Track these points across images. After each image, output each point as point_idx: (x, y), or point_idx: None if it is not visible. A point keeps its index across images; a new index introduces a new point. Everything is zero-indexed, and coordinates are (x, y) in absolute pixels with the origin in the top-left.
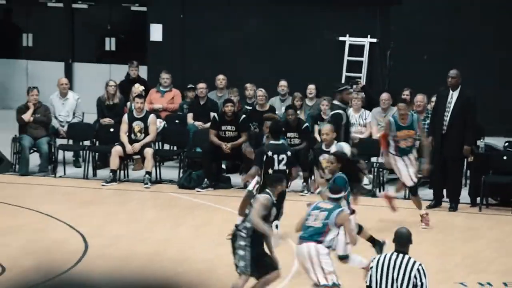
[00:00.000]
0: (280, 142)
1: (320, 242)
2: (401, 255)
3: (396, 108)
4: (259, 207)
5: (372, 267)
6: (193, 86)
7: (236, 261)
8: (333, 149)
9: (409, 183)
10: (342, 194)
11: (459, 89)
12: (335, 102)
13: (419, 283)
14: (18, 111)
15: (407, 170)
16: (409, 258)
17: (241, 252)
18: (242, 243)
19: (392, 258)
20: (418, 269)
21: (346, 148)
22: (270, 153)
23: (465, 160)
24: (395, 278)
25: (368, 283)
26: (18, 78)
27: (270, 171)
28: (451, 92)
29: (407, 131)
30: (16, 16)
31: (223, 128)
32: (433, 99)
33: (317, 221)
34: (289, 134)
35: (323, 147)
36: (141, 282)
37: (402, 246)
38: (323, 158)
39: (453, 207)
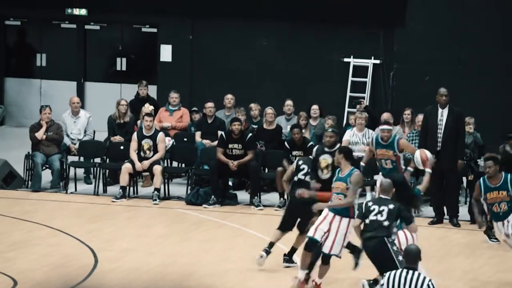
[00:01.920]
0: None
1: None
2: (411, 272)
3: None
4: None
5: (382, 284)
6: (196, 109)
7: None
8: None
9: None
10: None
11: (448, 106)
12: None
13: None
14: (31, 129)
15: None
16: (419, 274)
17: None
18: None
19: (403, 274)
20: (428, 285)
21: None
22: None
23: (466, 178)
24: None
25: None
26: (32, 97)
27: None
28: (440, 109)
29: (385, 150)
30: (30, 36)
31: (230, 146)
32: (420, 117)
33: None
34: (294, 152)
35: (326, 149)
36: None
37: (411, 262)
38: (323, 158)
39: (455, 223)
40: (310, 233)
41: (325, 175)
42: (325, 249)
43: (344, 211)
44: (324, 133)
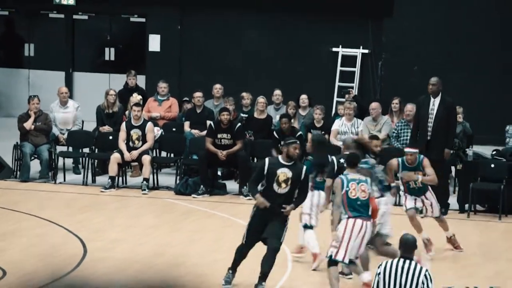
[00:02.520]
0: None
1: None
2: (408, 261)
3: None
4: None
5: (379, 273)
6: (188, 98)
7: None
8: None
9: None
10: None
11: (440, 95)
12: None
13: None
14: (20, 119)
15: None
16: (416, 263)
17: None
18: None
19: (399, 264)
20: (425, 275)
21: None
22: None
23: (455, 167)
24: (403, 283)
25: None
26: (20, 87)
27: None
28: (432, 99)
29: (413, 172)
30: (18, 26)
31: (219, 136)
32: (409, 107)
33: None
34: (283, 142)
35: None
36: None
37: (408, 252)
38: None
39: (443, 212)
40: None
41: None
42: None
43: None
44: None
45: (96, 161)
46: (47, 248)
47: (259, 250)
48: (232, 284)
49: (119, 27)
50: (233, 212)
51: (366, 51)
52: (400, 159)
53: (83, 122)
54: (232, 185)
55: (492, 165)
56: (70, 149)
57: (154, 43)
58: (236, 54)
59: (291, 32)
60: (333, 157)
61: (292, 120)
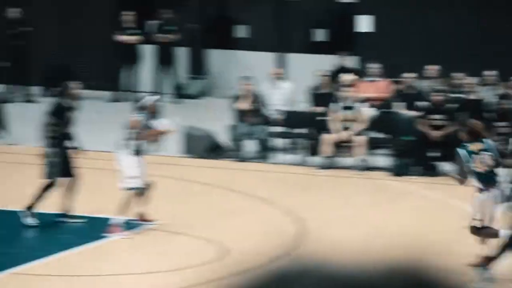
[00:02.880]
0: None
1: None
2: None
3: None
4: None
5: None
6: (399, 79)
7: None
8: None
9: None
10: None
11: None
12: None
13: None
14: (234, 100)
15: None
16: None
17: None
18: None
19: None
20: None
21: None
22: None
23: None
24: None
25: None
26: (233, 68)
27: None
28: None
29: None
30: (231, 8)
31: (433, 117)
32: None
33: None
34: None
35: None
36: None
37: None
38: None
39: None
40: None
41: None
42: None
43: None
44: None
45: (310, 141)
46: (264, 227)
47: None
48: None
49: (330, 8)
50: (449, 194)
51: None
52: None
53: (296, 102)
54: (445, 166)
55: None
56: (284, 129)
57: (365, 23)
58: (444, 36)
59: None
60: None
61: None
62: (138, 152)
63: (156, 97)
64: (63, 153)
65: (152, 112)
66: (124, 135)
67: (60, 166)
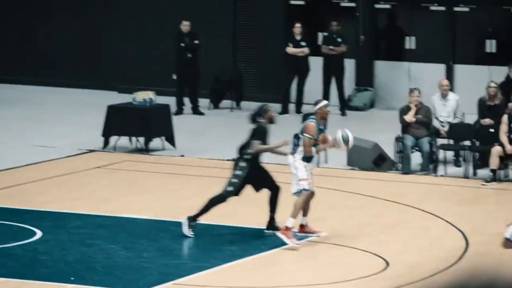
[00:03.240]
0: None
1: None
2: None
3: None
4: None
5: None
6: None
7: None
8: None
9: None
10: None
11: None
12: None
13: None
14: (401, 112)
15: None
16: None
17: None
18: None
19: None
20: None
21: None
22: None
23: None
24: None
25: None
26: (401, 80)
27: None
28: None
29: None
30: (400, 19)
31: None
32: None
33: None
34: None
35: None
36: None
37: None
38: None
39: None
40: None
41: None
42: None
43: None
44: None
45: (477, 154)
46: (429, 240)
47: None
48: None
49: (500, 18)
50: None
51: None
52: None
53: (464, 114)
54: None
55: None
56: (451, 141)
57: None
58: None
59: None
60: None
61: None
62: (307, 158)
63: (326, 102)
64: (255, 171)
65: (323, 117)
66: (295, 139)
67: (241, 186)
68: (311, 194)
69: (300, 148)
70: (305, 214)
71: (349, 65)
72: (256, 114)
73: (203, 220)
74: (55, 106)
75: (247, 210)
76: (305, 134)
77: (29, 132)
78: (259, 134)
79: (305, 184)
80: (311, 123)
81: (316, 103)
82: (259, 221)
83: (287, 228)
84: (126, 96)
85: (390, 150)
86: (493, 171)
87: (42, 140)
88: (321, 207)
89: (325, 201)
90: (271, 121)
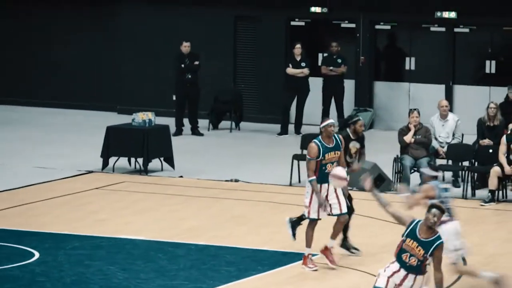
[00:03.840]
0: None
1: None
2: None
3: None
4: None
5: None
6: None
7: None
8: None
9: None
10: None
11: None
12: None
13: None
14: (400, 132)
15: None
16: None
17: None
18: None
19: None
20: None
21: None
22: None
23: None
24: None
25: None
26: (400, 100)
27: None
28: None
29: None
30: (400, 40)
31: None
32: None
33: None
34: None
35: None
36: None
37: None
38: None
39: None
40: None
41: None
42: None
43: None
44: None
45: (475, 174)
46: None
47: None
48: None
49: (500, 39)
50: None
51: None
52: None
53: (463, 135)
54: None
55: None
56: (450, 162)
57: None
58: None
59: None
60: None
61: None
62: (320, 180)
63: (331, 120)
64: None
65: (328, 136)
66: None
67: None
68: (315, 222)
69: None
70: (333, 237)
71: (349, 85)
72: (345, 122)
73: (202, 241)
74: (54, 127)
75: (243, 231)
76: (307, 156)
77: (28, 153)
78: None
79: (305, 212)
80: (312, 144)
81: (321, 122)
82: (256, 242)
83: (304, 257)
84: (125, 117)
85: (389, 171)
86: (492, 191)
87: (41, 161)
88: (319, 227)
89: (324, 221)
90: (356, 133)
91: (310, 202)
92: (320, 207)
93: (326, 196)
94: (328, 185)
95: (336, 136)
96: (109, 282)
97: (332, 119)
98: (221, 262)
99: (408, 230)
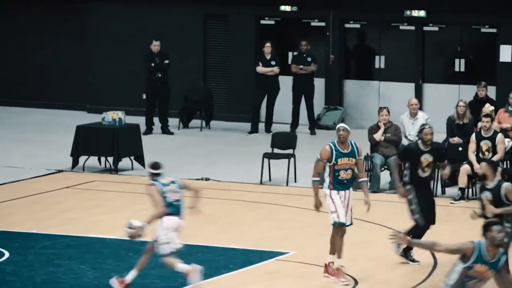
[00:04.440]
0: None
1: None
2: None
3: None
4: None
5: None
6: None
7: None
8: None
9: None
10: None
11: None
12: None
13: None
14: (370, 131)
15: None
16: None
17: None
18: None
19: None
20: None
21: None
22: None
23: None
24: None
25: None
26: (370, 99)
27: None
28: None
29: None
30: (369, 39)
31: None
32: None
33: None
34: None
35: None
36: None
37: None
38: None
39: None
40: None
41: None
42: None
43: None
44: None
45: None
46: (397, 258)
47: None
48: None
49: (469, 38)
50: None
51: None
52: None
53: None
54: None
55: None
56: None
57: (505, 53)
58: None
59: None
60: None
61: None
62: (338, 186)
63: (341, 125)
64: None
65: (341, 141)
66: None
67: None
68: (340, 227)
69: (326, 176)
70: (332, 252)
71: (319, 84)
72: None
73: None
74: (23, 127)
75: (214, 229)
76: (317, 156)
77: None
78: (398, 152)
79: (334, 217)
80: (325, 145)
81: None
82: (227, 240)
83: (325, 265)
84: (95, 116)
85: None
86: (462, 189)
87: (10, 160)
88: (288, 226)
89: (293, 220)
90: (425, 143)
91: (334, 207)
92: (316, 210)
93: (347, 204)
94: (345, 192)
95: (353, 143)
96: (80, 281)
97: (343, 124)
98: (192, 261)
99: (475, 256)
